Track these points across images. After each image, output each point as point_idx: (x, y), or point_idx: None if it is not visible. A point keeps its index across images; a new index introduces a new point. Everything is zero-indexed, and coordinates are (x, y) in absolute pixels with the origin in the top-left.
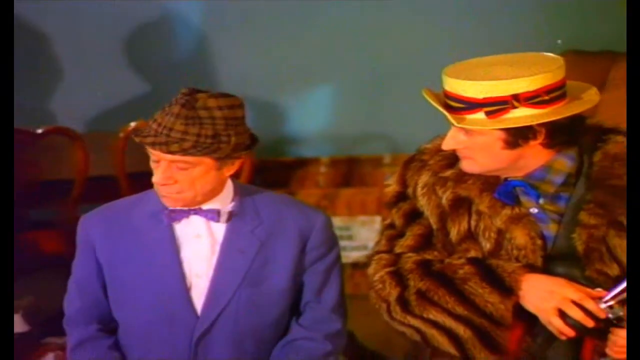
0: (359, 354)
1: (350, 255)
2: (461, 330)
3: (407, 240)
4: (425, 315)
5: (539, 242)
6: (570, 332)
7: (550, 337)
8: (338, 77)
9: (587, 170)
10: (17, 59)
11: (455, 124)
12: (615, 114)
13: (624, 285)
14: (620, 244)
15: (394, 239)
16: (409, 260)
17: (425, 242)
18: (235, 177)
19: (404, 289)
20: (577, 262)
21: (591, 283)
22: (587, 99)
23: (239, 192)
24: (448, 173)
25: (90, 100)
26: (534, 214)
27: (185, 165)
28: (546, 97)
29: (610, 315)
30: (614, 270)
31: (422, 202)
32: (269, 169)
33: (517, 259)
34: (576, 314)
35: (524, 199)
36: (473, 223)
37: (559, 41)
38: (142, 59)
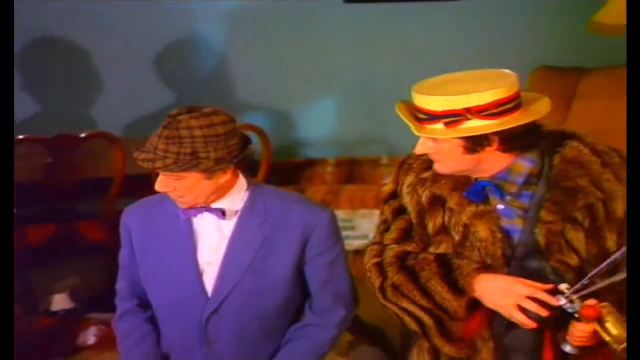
0: (360, 329)
1: (352, 243)
2: (425, 318)
3: (392, 234)
4: (399, 304)
5: (499, 235)
6: (532, 324)
7: (509, 326)
8: (341, 90)
9: (547, 172)
10: (65, 74)
11: (416, 132)
12: (584, 121)
13: (584, 281)
14: (576, 237)
15: (384, 232)
16: (390, 253)
17: (406, 235)
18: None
19: (384, 280)
20: (541, 253)
21: (554, 272)
22: (536, 111)
23: (251, 191)
24: (426, 174)
25: (127, 109)
26: (500, 210)
27: (176, 177)
28: (495, 110)
29: (569, 310)
30: (573, 260)
31: (406, 200)
32: (282, 169)
33: (479, 250)
34: (532, 307)
35: (491, 196)
36: (446, 218)
37: None
38: (171, 73)
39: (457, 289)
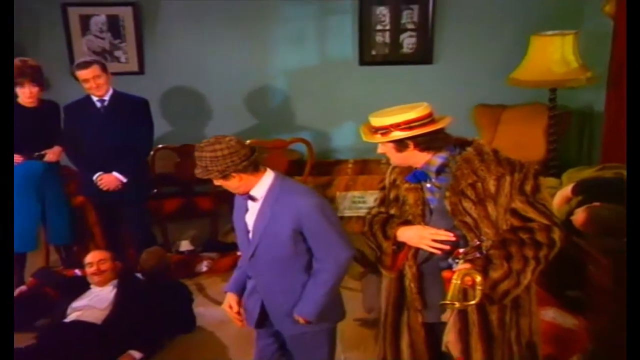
0: (367, 264)
1: (362, 212)
2: (375, 252)
3: (375, 202)
4: (368, 243)
5: (419, 202)
6: (439, 252)
7: (426, 259)
8: (357, 118)
9: (452, 166)
10: (188, 107)
11: (364, 139)
12: (505, 137)
13: (467, 249)
14: (468, 206)
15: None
16: (370, 213)
17: (382, 202)
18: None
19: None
20: (449, 216)
21: (458, 228)
22: (435, 126)
23: (273, 183)
24: (393, 165)
25: (226, 129)
26: (428, 187)
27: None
28: (406, 126)
29: (453, 265)
30: (468, 219)
31: (386, 182)
32: (321, 166)
33: (407, 211)
34: (436, 244)
35: (422, 179)
36: (398, 192)
37: None
38: (254, 107)
39: (387, 236)
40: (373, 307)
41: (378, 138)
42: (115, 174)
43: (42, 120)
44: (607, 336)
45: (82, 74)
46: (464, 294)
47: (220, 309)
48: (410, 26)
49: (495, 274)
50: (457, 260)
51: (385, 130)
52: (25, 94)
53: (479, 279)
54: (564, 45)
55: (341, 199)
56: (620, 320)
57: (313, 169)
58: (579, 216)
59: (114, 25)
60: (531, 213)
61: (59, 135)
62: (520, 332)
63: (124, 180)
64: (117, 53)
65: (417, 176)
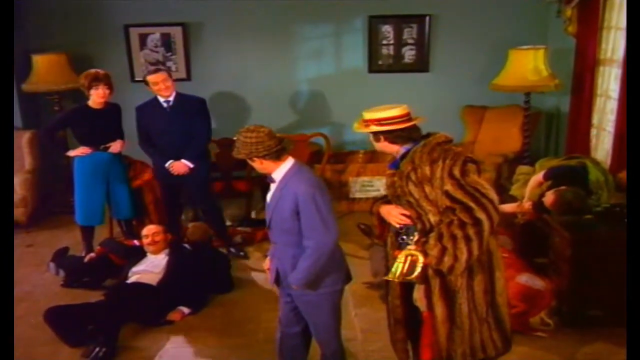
0: (371, 236)
1: (370, 194)
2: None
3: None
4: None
5: (391, 185)
6: (399, 225)
7: (396, 231)
8: None
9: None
10: (229, 105)
11: (354, 129)
12: (487, 133)
13: (416, 230)
14: (411, 188)
15: None
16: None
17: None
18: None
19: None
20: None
21: (407, 203)
22: (400, 125)
23: (290, 170)
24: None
25: (266, 123)
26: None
27: None
28: (377, 122)
29: (407, 242)
30: (411, 199)
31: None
32: (337, 155)
33: (387, 192)
34: (399, 221)
35: (396, 166)
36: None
37: None
38: (287, 107)
39: (371, 213)
40: (378, 272)
41: (362, 129)
42: (183, 161)
43: (107, 119)
44: (566, 294)
45: (153, 78)
46: (413, 268)
47: (253, 274)
48: (410, 41)
49: (432, 252)
50: (404, 237)
51: (367, 123)
52: (100, 95)
53: (421, 258)
54: (536, 57)
55: (353, 183)
56: (575, 282)
57: (330, 158)
58: (549, 198)
59: (166, 42)
60: (459, 195)
61: (121, 131)
62: (474, 294)
63: (191, 166)
64: (169, 63)
65: (394, 164)
